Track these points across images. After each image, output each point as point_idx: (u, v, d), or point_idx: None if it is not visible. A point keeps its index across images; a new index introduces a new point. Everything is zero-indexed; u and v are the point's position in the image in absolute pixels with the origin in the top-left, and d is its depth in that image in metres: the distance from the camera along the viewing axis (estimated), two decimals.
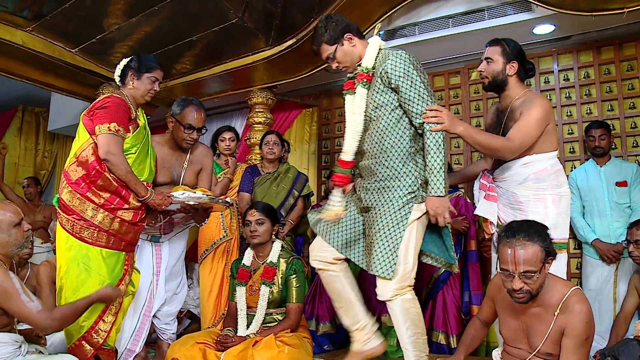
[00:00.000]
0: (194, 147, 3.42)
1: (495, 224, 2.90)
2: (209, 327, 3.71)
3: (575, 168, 4.30)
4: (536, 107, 2.69)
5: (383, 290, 2.58)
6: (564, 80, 4.68)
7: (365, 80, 2.69)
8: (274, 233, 3.41)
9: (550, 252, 2.12)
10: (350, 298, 2.78)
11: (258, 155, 4.67)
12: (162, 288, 3.39)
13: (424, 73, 2.65)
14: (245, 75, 5.03)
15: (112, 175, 2.84)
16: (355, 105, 2.71)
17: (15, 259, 3.72)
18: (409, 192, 2.57)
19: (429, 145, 2.52)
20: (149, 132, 3.13)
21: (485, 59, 2.89)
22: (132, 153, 2.94)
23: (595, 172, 3.95)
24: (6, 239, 2.46)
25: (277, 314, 3.29)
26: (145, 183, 2.95)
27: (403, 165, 2.61)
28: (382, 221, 2.57)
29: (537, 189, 2.72)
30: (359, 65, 2.74)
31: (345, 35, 2.74)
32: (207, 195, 3.15)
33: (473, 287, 4.09)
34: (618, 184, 3.84)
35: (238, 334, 3.18)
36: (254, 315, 3.26)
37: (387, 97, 2.63)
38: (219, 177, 4.18)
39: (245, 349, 2.88)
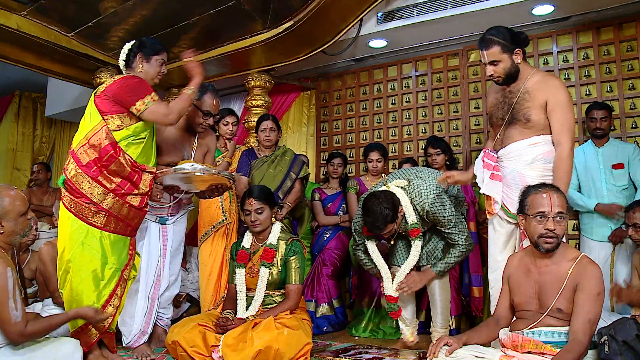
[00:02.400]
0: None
1: (500, 204, 2.91)
2: (208, 310, 3.73)
3: None
4: (563, 93, 2.75)
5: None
6: (563, 61, 4.65)
7: (419, 234, 3.29)
8: (273, 215, 3.42)
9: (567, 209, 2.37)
10: (414, 303, 3.63)
11: (256, 139, 4.66)
12: (168, 270, 3.44)
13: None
14: (243, 58, 5.00)
15: (125, 159, 2.84)
16: (412, 255, 3.33)
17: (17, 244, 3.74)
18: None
19: (455, 255, 3.32)
20: None
21: (490, 62, 2.85)
22: (142, 139, 2.94)
23: (594, 153, 3.94)
24: (13, 227, 2.48)
25: (277, 296, 3.31)
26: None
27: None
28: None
29: (545, 170, 2.76)
30: (405, 221, 3.30)
31: (400, 209, 3.21)
32: (212, 168, 3.19)
33: (472, 268, 4.11)
34: (614, 166, 3.83)
35: (237, 316, 3.20)
36: (254, 297, 3.28)
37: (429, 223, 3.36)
38: (218, 161, 4.19)
39: (245, 331, 2.90)
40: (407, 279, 3.30)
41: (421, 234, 3.31)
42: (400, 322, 3.52)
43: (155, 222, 3.40)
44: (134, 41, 3.13)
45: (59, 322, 2.50)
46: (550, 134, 2.78)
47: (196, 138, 3.46)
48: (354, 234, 3.51)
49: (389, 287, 3.34)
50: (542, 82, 2.79)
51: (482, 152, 3.09)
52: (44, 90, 7.27)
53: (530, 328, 2.29)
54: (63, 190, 2.89)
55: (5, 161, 7.67)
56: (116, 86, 2.87)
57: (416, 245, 3.31)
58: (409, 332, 3.44)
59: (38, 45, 4.67)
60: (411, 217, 3.27)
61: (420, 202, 3.25)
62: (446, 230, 3.27)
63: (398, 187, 3.31)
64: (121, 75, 2.98)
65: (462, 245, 3.27)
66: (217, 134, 4.39)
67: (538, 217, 2.30)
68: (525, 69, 2.87)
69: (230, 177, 3.25)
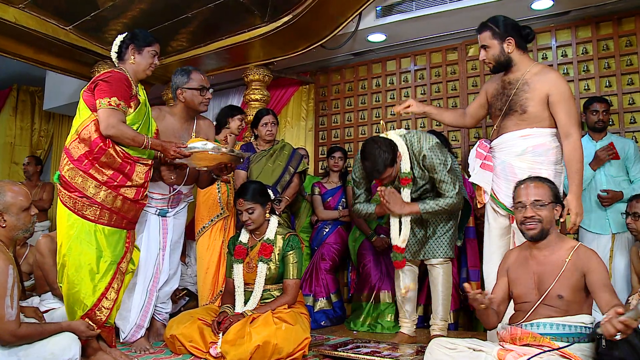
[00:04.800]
0: (199, 118, 3.49)
1: (489, 195, 2.93)
2: (206, 304, 3.73)
3: None
4: (564, 85, 2.77)
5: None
6: (562, 56, 4.65)
7: (409, 183, 3.28)
8: (267, 211, 3.40)
9: (558, 199, 2.39)
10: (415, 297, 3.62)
11: (254, 133, 4.62)
12: (167, 263, 3.43)
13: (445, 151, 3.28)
14: (242, 52, 4.99)
15: (116, 151, 2.83)
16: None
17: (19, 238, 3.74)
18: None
19: (444, 203, 3.21)
20: (150, 109, 3.13)
21: (482, 46, 2.93)
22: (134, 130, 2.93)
23: (591, 147, 3.92)
24: (15, 222, 2.49)
25: (275, 290, 3.31)
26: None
27: None
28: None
29: (534, 162, 2.77)
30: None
31: (399, 154, 3.19)
32: (222, 147, 3.13)
33: (471, 263, 4.12)
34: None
35: (236, 311, 3.21)
36: (252, 291, 3.28)
37: (427, 176, 3.29)
38: None
39: (243, 327, 2.91)
40: (390, 195, 3.25)
41: (411, 183, 3.29)
42: (400, 314, 3.54)
43: (155, 214, 3.39)
44: (127, 33, 3.13)
45: (52, 331, 2.49)
46: (545, 127, 2.81)
47: (194, 127, 3.45)
48: (353, 185, 3.51)
49: (396, 237, 3.35)
50: (541, 75, 2.81)
51: (478, 141, 3.15)
52: (42, 83, 7.23)
53: (528, 320, 2.29)
54: (58, 186, 2.89)
55: (3, 155, 7.65)
56: (98, 79, 2.89)
57: (405, 194, 3.30)
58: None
59: (36, 39, 4.63)
60: (405, 165, 3.25)
61: (420, 146, 3.22)
62: (439, 178, 3.20)
63: (397, 135, 3.30)
64: (105, 70, 2.97)
65: (451, 197, 3.20)
66: (228, 126, 4.26)
67: (517, 208, 2.38)
68: (524, 60, 2.89)
69: (239, 155, 3.17)
